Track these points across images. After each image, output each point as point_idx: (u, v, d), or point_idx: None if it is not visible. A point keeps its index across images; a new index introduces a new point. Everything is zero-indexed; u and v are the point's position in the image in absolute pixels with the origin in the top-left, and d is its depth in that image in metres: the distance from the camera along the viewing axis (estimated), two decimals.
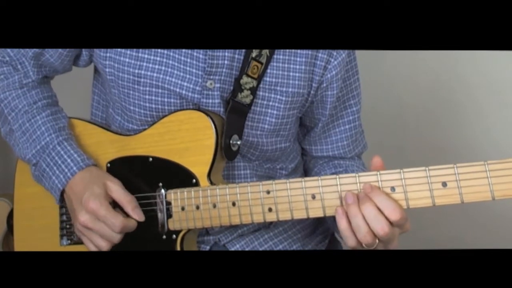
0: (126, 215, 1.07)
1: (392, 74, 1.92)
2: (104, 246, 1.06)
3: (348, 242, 0.94)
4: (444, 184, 0.89)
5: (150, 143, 1.11)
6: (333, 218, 0.97)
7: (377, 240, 0.92)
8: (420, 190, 0.90)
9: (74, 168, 1.10)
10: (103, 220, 1.04)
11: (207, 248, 1.17)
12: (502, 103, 1.81)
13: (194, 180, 1.06)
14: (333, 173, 1.23)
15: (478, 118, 1.86)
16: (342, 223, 0.93)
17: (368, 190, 0.92)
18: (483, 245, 1.79)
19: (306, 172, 1.32)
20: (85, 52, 1.17)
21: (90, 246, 1.08)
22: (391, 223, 0.91)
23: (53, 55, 1.16)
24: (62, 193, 1.12)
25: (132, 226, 1.06)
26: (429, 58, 1.85)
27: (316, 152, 1.27)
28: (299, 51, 1.11)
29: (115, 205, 1.08)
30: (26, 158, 1.15)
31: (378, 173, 0.93)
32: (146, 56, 1.09)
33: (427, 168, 0.90)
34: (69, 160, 1.10)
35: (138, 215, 1.06)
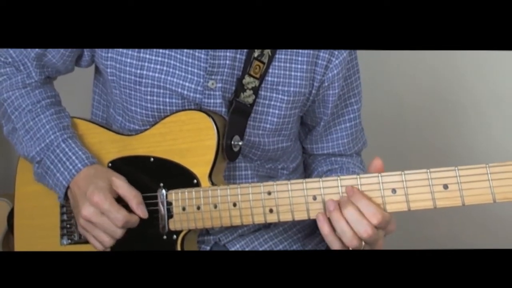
0: (130, 211, 1.07)
1: (392, 75, 1.92)
2: (107, 241, 1.06)
3: (333, 246, 0.95)
4: (445, 187, 0.89)
5: (151, 143, 1.11)
6: None
7: (363, 243, 0.93)
8: (421, 193, 0.90)
9: (79, 165, 1.10)
10: (106, 214, 1.04)
11: (208, 248, 1.17)
12: (503, 103, 1.81)
13: (195, 181, 1.06)
14: (328, 170, 1.24)
15: (479, 119, 1.86)
16: (324, 229, 0.94)
17: (350, 193, 0.93)
18: (482, 245, 1.79)
19: (304, 168, 1.32)
20: (87, 52, 1.17)
21: (92, 241, 1.08)
22: (374, 225, 0.92)
23: (55, 56, 1.16)
24: (66, 190, 1.12)
25: (135, 221, 1.06)
26: (429, 58, 1.85)
27: (316, 151, 1.27)
28: (300, 50, 1.12)
29: (119, 201, 1.08)
30: (29, 156, 1.15)
31: (379, 175, 0.93)
32: (147, 56, 1.09)
33: (428, 170, 0.90)
34: (73, 157, 1.10)
35: (142, 212, 1.06)
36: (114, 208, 1.04)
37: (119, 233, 1.05)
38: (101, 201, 1.04)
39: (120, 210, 1.04)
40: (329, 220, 0.94)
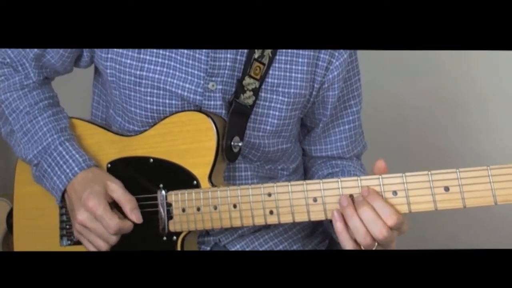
0: (125, 216, 1.07)
1: (392, 75, 1.92)
2: (103, 246, 1.06)
3: (345, 245, 0.94)
4: (447, 189, 0.89)
5: (151, 144, 1.10)
6: (330, 221, 0.97)
7: (376, 243, 0.92)
8: (422, 195, 0.90)
9: (76, 169, 1.09)
10: (99, 220, 1.04)
11: (207, 248, 1.17)
12: (504, 103, 1.81)
13: (195, 182, 1.06)
14: (329, 174, 1.24)
15: (480, 119, 1.86)
16: (338, 226, 0.94)
17: (365, 193, 0.92)
18: (482, 245, 1.79)
19: (304, 171, 1.32)
20: (86, 53, 1.17)
21: (88, 246, 1.08)
22: (389, 227, 0.91)
23: (54, 56, 1.16)
24: (63, 193, 1.12)
25: (128, 228, 1.06)
26: (430, 58, 1.85)
27: (315, 152, 1.27)
28: (301, 52, 1.11)
29: (115, 205, 1.08)
30: (27, 158, 1.14)
31: (380, 177, 0.92)
32: (147, 57, 1.09)
33: (429, 173, 0.90)
34: (70, 161, 1.10)
35: (136, 217, 1.06)
36: (107, 215, 1.03)
37: (113, 239, 1.05)
38: (95, 206, 1.04)
39: (113, 217, 1.04)
40: (344, 218, 0.93)
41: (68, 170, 1.10)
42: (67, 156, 1.11)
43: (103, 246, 1.06)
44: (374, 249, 0.93)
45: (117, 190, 1.07)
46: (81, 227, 1.07)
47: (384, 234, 0.90)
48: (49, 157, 1.12)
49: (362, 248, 0.93)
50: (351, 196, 0.94)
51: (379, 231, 0.90)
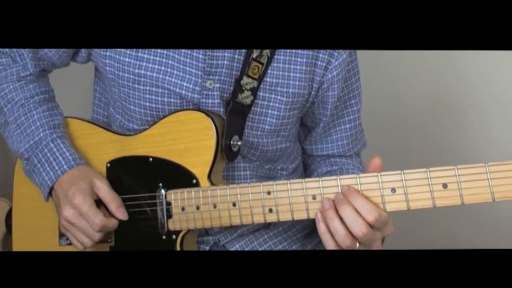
0: (111, 214, 1.07)
1: (392, 75, 1.92)
2: (86, 242, 1.07)
3: (327, 245, 0.94)
4: (445, 186, 0.89)
5: (150, 143, 1.10)
6: None
7: (357, 244, 0.92)
8: (421, 192, 0.90)
9: (65, 167, 1.10)
10: (85, 216, 1.05)
11: (207, 248, 1.17)
12: (502, 103, 1.81)
13: (194, 181, 1.06)
14: (328, 171, 1.24)
15: (478, 118, 1.86)
16: (321, 227, 0.94)
17: (346, 192, 0.93)
18: (482, 245, 1.79)
19: (304, 169, 1.32)
20: (83, 49, 1.17)
21: (73, 241, 1.09)
22: (370, 225, 0.91)
23: (51, 50, 1.17)
24: (51, 190, 1.12)
25: (113, 226, 1.06)
26: (430, 58, 1.85)
27: (316, 152, 1.27)
28: (299, 51, 1.11)
29: (101, 202, 1.08)
30: (19, 152, 1.15)
31: (378, 174, 0.92)
32: (146, 56, 1.09)
33: (427, 170, 0.90)
34: (60, 158, 1.11)
35: (121, 214, 1.07)
36: (92, 212, 1.05)
37: (97, 236, 1.06)
38: (80, 203, 1.05)
39: (98, 214, 1.05)
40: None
41: (57, 167, 1.10)
42: (57, 154, 1.12)
43: (87, 242, 1.07)
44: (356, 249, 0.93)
45: (103, 188, 1.08)
46: (67, 223, 1.08)
47: (364, 231, 0.90)
48: (40, 153, 1.12)
49: (344, 249, 0.93)
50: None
51: (359, 228, 0.90)
